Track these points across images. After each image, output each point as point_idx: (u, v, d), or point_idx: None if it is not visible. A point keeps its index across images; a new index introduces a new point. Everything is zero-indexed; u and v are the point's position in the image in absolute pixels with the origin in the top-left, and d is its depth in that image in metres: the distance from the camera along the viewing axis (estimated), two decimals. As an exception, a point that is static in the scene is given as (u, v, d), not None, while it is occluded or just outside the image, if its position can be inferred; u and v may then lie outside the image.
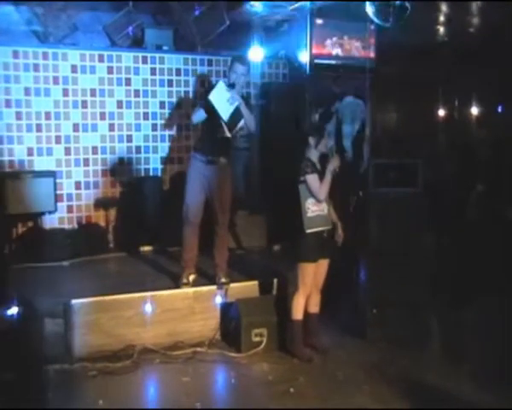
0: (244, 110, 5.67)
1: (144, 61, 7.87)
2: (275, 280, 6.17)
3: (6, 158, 7.23)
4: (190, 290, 5.85)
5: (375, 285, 5.87)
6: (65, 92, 7.46)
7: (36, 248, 6.81)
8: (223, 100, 5.63)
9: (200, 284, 5.96)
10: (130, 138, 7.85)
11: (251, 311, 5.65)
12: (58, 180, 7.35)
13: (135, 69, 7.83)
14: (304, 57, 8.09)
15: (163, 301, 5.71)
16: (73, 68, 7.49)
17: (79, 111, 7.55)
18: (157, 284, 5.98)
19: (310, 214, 5.33)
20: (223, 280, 5.94)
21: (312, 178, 5.29)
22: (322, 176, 5.33)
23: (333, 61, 8.12)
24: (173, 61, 8.03)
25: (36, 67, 7.32)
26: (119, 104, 7.77)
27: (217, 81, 6.09)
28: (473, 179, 8.43)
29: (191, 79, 8.13)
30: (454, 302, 6.35)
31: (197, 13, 7.86)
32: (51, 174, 7.22)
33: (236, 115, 5.67)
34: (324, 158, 5.44)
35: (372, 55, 8.26)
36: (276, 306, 5.73)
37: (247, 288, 6.06)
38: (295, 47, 8.32)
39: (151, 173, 8.00)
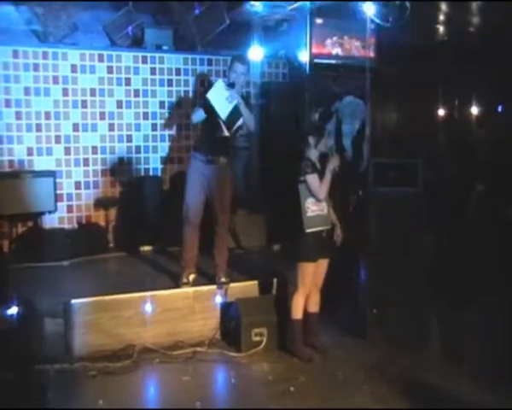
0: (243, 109, 5.66)
1: (144, 60, 7.87)
2: (274, 280, 6.17)
3: (6, 158, 7.23)
4: (190, 290, 5.85)
5: (375, 285, 5.87)
6: (65, 92, 7.46)
7: (36, 248, 6.81)
8: (221, 99, 5.63)
9: (200, 284, 5.96)
10: (129, 138, 7.85)
11: (251, 310, 5.65)
12: (58, 180, 7.35)
13: (135, 69, 7.83)
14: (303, 57, 8.09)
15: (163, 300, 5.71)
16: (73, 68, 7.49)
17: (79, 111, 7.55)
18: (157, 284, 5.99)
19: (309, 214, 5.33)
20: (223, 280, 5.94)
21: (312, 178, 5.29)
22: (321, 175, 5.33)
23: (333, 61, 8.11)
24: (173, 60, 8.03)
25: (36, 67, 7.32)
26: (119, 104, 7.76)
27: (215, 80, 6.08)
28: (473, 179, 8.43)
29: (191, 79, 8.13)
30: (454, 302, 6.35)
31: (197, 12, 7.86)
32: (51, 174, 7.22)
33: (235, 114, 5.66)
34: (324, 157, 5.45)
35: (372, 54, 8.26)
36: (276, 305, 5.74)
37: (246, 287, 6.06)
38: (295, 46, 8.32)
39: (151, 173, 8.00)
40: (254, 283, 6.12)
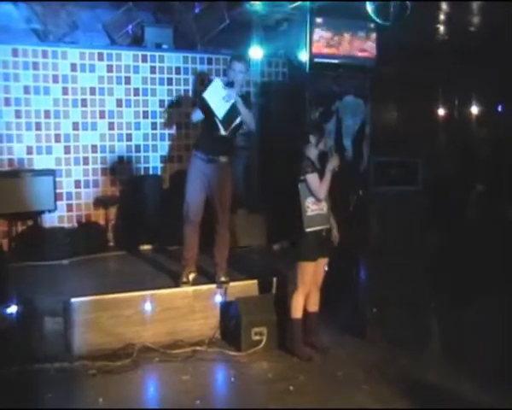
0: (241, 108, 5.65)
1: (144, 59, 7.86)
2: (274, 279, 6.17)
3: (5, 156, 7.22)
4: (190, 289, 5.85)
5: (375, 285, 5.86)
6: (64, 91, 7.45)
7: (35, 247, 6.80)
8: (218, 98, 5.62)
9: (200, 283, 5.96)
10: (129, 137, 7.85)
11: (251, 310, 5.65)
12: (58, 179, 7.35)
13: (134, 68, 7.82)
14: (304, 56, 8.09)
15: (163, 299, 5.70)
16: (73, 67, 7.48)
17: (79, 110, 7.54)
18: (157, 283, 5.98)
19: (309, 213, 5.33)
20: (222, 279, 5.93)
21: (312, 178, 5.29)
22: (320, 175, 5.33)
23: (333, 61, 8.11)
24: (173, 59, 8.02)
25: (35, 66, 7.31)
26: (119, 103, 7.76)
27: (213, 79, 6.07)
28: (473, 179, 8.44)
29: (191, 78, 8.13)
30: (454, 302, 6.35)
31: (197, 11, 7.87)
32: (51, 173, 7.22)
33: (232, 113, 5.65)
34: (323, 157, 5.45)
35: (372, 54, 8.26)
36: (276, 305, 5.73)
37: (246, 287, 6.06)
38: (295, 46, 8.32)
39: (151, 172, 7.99)
40: (254, 282, 6.12)
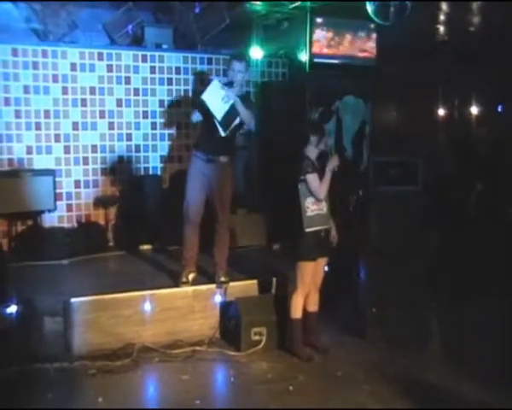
0: (240, 108, 5.64)
1: (144, 59, 7.85)
2: (274, 279, 6.16)
3: (5, 156, 7.21)
4: (190, 289, 5.85)
5: (375, 285, 5.86)
6: (64, 90, 7.44)
7: (35, 247, 6.79)
8: (217, 99, 5.61)
9: (200, 283, 5.95)
10: (129, 137, 7.84)
11: (250, 310, 5.65)
12: (57, 179, 7.34)
13: (134, 67, 7.81)
14: (304, 56, 8.09)
15: (162, 299, 5.70)
16: (73, 66, 7.47)
17: (79, 109, 7.53)
18: (156, 283, 5.98)
19: (309, 213, 5.33)
20: (222, 279, 5.93)
21: (312, 178, 5.29)
22: (320, 175, 5.32)
23: (333, 61, 8.12)
24: (173, 59, 8.01)
25: (35, 65, 7.30)
26: (119, 103, 7.75)
27: (211, 80, 6.07)
28: (473, 179, 8.44)
29: (191, 78, 8.12)
30: (454, 302, 6.35)
31: (197, 11, 7.87)
32: (51, 173, 7.21)
33: (231, 114, 5.64)
34: (323, 157, 5.44)
35: (372, 54, 8.27)
36: (276, 305, 5.73)
37: (246, 287, 6.06)
38: (295, 46, 8.32)
39: (151, 172, 7.99)
40: (254, 282, 6.12)
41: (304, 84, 8.11)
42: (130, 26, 7.83)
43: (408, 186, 6.01)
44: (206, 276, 6.10)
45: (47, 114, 7.37)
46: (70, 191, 7.54)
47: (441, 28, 8.50)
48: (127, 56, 7.76)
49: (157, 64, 7.93)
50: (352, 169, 7.63)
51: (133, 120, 7.83)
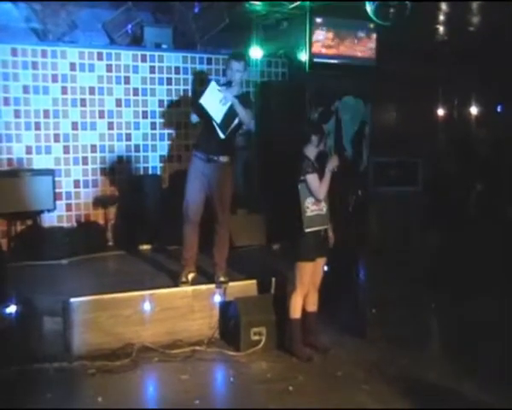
0: (239, 109, 5.62)
1: (143, 59, 7.85)
2: (273, 279, 6.15)
3: (4, 156, 7.21)
4: (189, 289, 5.84)
5: (375, 285, 5.85)
6: (64, 90, 7.44)
7: (35, 247, 6.79)
8: (215, 101, 5.59)
9: (199, 283, 5.94)
10: (129, 137, 7.83)
11: (250, 310, 5.64)
12: (57, 178, 7.34)
13: (134, 67, 7.81)
14: (303, 56, 8.09)
15: (162, 299, 5.69)
16: (72, 66, 7.47)
17: (78, 109, 7.52)
18: (156, 283, 5.97)
19: (309, 213, 5.32)
20: (222, 279, 5.92)
21: (312, 178, 5.28)
22: (320, 175, 5.32)
23: (332, 61, 8.12)
24: (172, 59, 8.01)
25: (34, 65, 7.29)
26: (118, 102, 7.74)
27: (208, 81, 6.05)
28: (473, 179, 8.44)
29: (190, 78, 8.11)
30: (454, 302, 6.34)
31: (196, 11, 7.86)
32: (50, 172, 7.21)
33: (230, 115, 5.63)
34: (323, 157, 5.44)
35: (372, 54, 8.27)
36: (275, 305, 5.72)
37: (245, 287, 6.05)
38: (295, 46, 8.32)
39: (150, 172, 7.98)
40: (253, 282, 6.11)
41: (303, 84, 8.11)
42: (129, 26, 7.84)
43: (408, 186, 6.01)
44: (205, 276, 6.09)
45: (46, 113, 7.37)
46: (69, 191, 7.54)
47: (441, 28, 8.51)
48: (127, 56, 7.76)
49: (156, 64, 7.92)
50: (352, 169, 7.62)
51: (132, 119, 7.83)
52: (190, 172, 5.86)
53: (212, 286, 5.91)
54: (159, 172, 8.00)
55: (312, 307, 5.58)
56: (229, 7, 7.83)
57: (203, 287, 5.90)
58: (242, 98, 5.77)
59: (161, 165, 8.02)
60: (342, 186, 5.94)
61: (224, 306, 5.86)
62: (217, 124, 5.62)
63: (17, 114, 7.25)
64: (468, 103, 9.58)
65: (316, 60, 7.98)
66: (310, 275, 5.39)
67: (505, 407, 4.46)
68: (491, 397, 4.58)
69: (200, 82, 7.97)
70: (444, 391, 4.74)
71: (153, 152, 7.97)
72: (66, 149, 7.48)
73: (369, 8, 6.80)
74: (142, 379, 5.07)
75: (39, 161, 7.34)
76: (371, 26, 8.10)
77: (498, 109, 9.30)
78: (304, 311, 5.50)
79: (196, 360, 5.34)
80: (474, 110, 9.61)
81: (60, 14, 7.43)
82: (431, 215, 6.65)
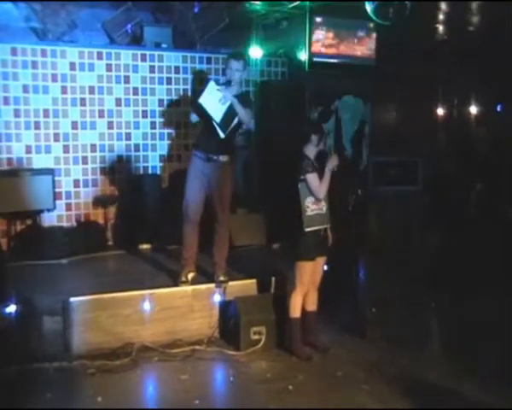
0: (238, 108, 5.62)
1: (143, 58, 7.84)
2: (273, 278, 6.15)
3: (4, 156, 7.20)
4: (189, 288, 5.84)
5: (375, 284, 5.85)
6: (63, 90, 7.43)
7: (34, 246, 6.78)
8: (214, 101, 5.59)
9: (199, 283, 5.94)
10: (128, 136, 7.83)
11: (249, 309, 5.64)
12: (57, 178, 7.34)
13: (134, 67, 7.80)
14: (303, 55, 8.09)
15: (162, 299, 5.69)
16: (72, 66, 7.46)
17: (78, 109, 7.52)
18: (156, 282, 5.97)
19: (309, 213, 5.32)
20: (221, 278, 5.91)
21: (312, 177, 5.28)
22: (320, 174, 5.32)
23: (332, 60, 8.11)
24: (172, 58, 8.00)
25: (34, 65, 7.29)
26: (118, 102, 7.74)
27: (207, 81, 6.05)
28: (473, 178, 8.44)
29: (190, 77, 8.11)
30: (454, 302, 6.34)
31: (196, 10, 7.86)
32: (50, 172, 7.21)
33: (230, 115, 5.63)
34: (323, 156, 5.44)
35: (372, 54, 8.26)
36: (275, 304, 5.72)
37: (245, 286, 6.05)
38: (294, 45, 8.31)
39: (150, 171, 7.98)
40: (253, 281, 6.11)
41: (303, 84, 8.10)
42: (129, 26, 7.83)
43: (408, 186, 6.01)
44: (205, 275, 6.09)
45: (46, 113, 7.36)
46: (69, 190, 7.53)
47: (441, 28, 8.50)
48: (126, 56, 7.75)
49: (156, 63, 7.92)
50: (352, 169, 7.62)
51: (132, 119, 7.82)
52: (190, 171, 5.86)
53: (212, 286, 5.91)
54: (158, 172, 8.00)
55: (312, 306, 5.58)
56: (228, 6, 7.83)
57: (203, 286, 5.90)
58: (242, 97, 5.77)
59: (161, 164, 8.02)
60: (342, 186, 5.93)
61: (224, 305, 5.86)
62: (216, 123, 5.62)
63: (17, 113, 7.25)
64: (467, 103, 9.58)
65: (315, 59, 7.98)
66: (310, 274, 5.39)
67: (505, 407, 4.45)
68: (491, 397, 4.58)
69: (200, 81, 7.97)
70: (444, 391, 4.74)
71: (152, 151, 7.97)
72: (65, 149, 7.48)
73: (368, 7, 6.79)
74: (142, 379, 5.07)
75: (39, 161, 7.34)
76: (371, 25, 8.10)
77: (498, 109, 9.30)
78: (303, 310, 5.50)
79: (196, 360, 5.34)
80: (473, 110, 9.60)
81: (59, 13, 7.43)
82: (431, 215, 6.64)
